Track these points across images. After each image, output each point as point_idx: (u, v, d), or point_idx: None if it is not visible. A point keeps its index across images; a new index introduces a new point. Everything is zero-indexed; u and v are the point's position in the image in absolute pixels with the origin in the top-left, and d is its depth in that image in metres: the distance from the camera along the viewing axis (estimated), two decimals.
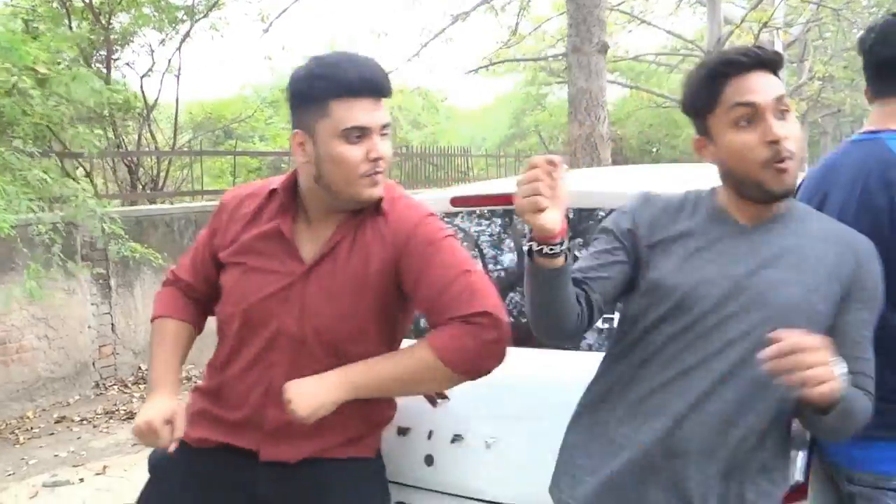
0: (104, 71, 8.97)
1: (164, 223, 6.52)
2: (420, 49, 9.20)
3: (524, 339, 1.67)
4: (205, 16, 9.69)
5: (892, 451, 1.43)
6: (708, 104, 1.34)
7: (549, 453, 1.46)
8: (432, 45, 9.60)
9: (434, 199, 2.14)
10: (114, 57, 9.56)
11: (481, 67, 8.74)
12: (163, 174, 9.45)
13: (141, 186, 9.28)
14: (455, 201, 2.02)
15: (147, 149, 9.55)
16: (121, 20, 9.48)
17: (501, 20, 10.29)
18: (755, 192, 1.33)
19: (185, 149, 9.80)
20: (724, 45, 11.51)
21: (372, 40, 8.62)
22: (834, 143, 17.98)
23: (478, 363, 1.40)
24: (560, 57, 7.43)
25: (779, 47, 12.52)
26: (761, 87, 1.30)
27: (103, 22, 8.68)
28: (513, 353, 1.46)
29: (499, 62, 9.28)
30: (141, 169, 9.36)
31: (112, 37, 9.12)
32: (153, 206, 7.24)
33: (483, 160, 13.62)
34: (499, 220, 1.98)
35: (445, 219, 2.09)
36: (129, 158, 9.15)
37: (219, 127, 10.70)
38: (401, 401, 1.65)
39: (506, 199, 1.97)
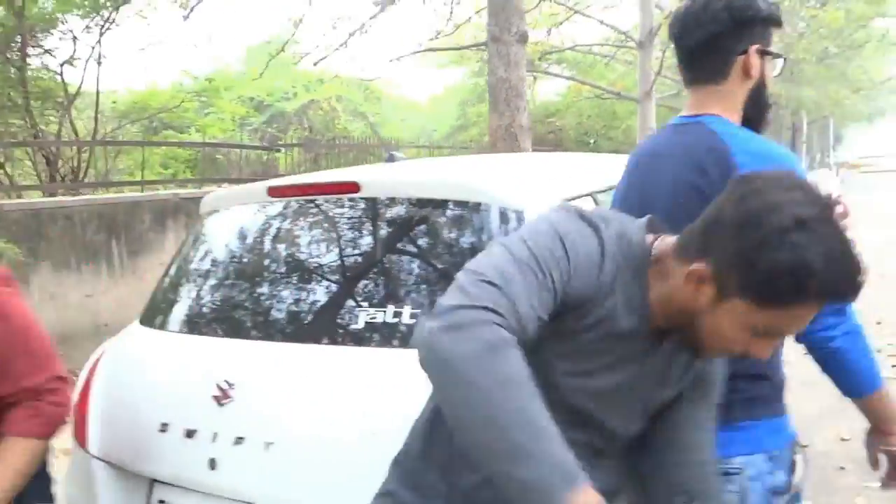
0: (18, 58, 8.64)
1: (63, 217, 6.28)
2: (348, 38, 9.07)
3: (308, 335, 1.63)
4: (127, 2, 9.41)
5: (723, 434, 1.42)
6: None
7: (331, 454, 1.41)
8: (366, 34, 9.44)
9: (250, 190, 2.08)
10: (37, 44, 9.25)
11: (404, 56, 8.67)
12: (83, 165, 9.17)
13: (60, 177, 9.01)
14: (272, 191, 1.96)
15: (66, 139, 9.26)
16: (42, 6, 9.15)
17: (437, 9, 10.22)
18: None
19: (109, 139, 9.49)
20: (655, 35, 11.65)
21: (288, 28, 8.33)
22: (773, 135, 18.42)
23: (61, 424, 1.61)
24: (483, 46, 7.37)
25: None
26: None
27: (16, 7, 8.33)
28: (298, 350, 1.40)
29: (421, 51, 9.20)
30: (60, 160, 9.08)
31: (29, 23, 8.77)
32: (66, 199, 6.99)
33: (423, 151, 13.56)
34: (317, 211, 1.93)
35: (262, 210, 2.02)
36: (48, 149, 8.86)
37: (144, 117, 10.41)
38: (187, 401, 1.59)
39: (325, 188, 1.93)
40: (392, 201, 1.79)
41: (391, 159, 2.31)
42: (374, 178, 1.88)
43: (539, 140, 16.05)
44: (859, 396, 1.49)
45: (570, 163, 2.74)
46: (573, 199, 1.84)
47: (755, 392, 1.45)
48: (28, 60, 9.07)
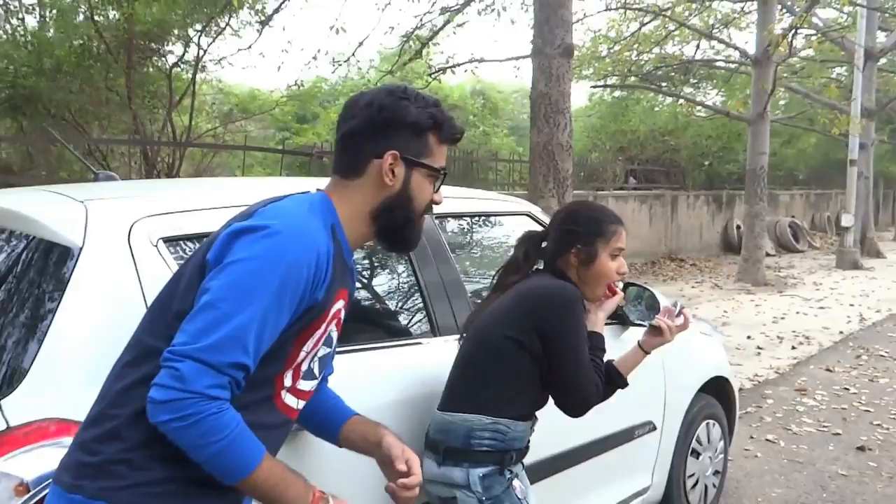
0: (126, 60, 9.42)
1: None
2: (431, 37, 8.95)
3: None
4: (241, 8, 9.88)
5: None
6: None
7: None
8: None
9: None
10: (148, 47, 10.06)
11: (452, 66, 8.45)
12: (177, 162, 9.84)
13: (156, 173, 9.74)
14: None
15: (166, 138, 10.00)
16: (155, 13, 9.93)
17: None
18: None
19: (199, 140, 10.12)
20: (772, 52, 10.62)
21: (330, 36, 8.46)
22: None
23: None
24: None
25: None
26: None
27: (126, 12, 9.07)
28: None
29: (466, 62, 8.93)
30: (159, 157, 9.82)
31: (141, 28, 9.53)
32: None
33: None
34: None
35: None
36: (147, 146, 9.62)
37: (241, 118, 11.02)
38: None
39: None
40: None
41: (97, 178, 2.21)
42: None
43: (653, 160, 15.24)
44: None
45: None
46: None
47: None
48: (140, 63, 9.90)
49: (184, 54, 10.13)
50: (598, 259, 2.00)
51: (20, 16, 9.25)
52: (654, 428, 2.96)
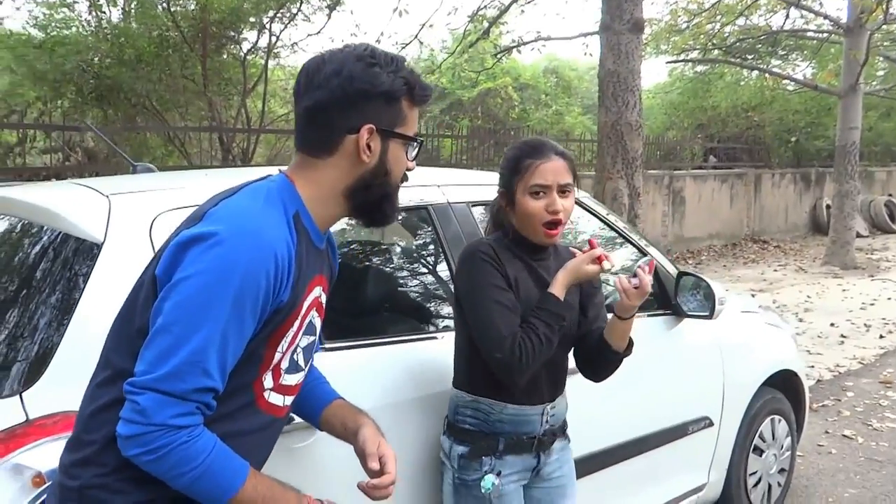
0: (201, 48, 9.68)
1: None
2: (492, 22, 8.82)
3: None
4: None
5: None
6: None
7: None
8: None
9: None
10: (223, 35, 10.31)
11: (516, 46, 8.22)
12: (252, 148, 10.08)
13: (231, 158, 10.01)
14: None
15: (241, 124, 10.25)
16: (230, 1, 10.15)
17: None
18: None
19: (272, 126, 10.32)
20: (866, 20, 9.94)
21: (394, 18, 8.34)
22: None
23: None
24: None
25: None
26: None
27: (200, 1, 9.32)
28: None
29: (532, 41, 8.69)
30: (234, 143, 10.08)
31: (215, 17, 9.78)
32: None
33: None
34: None
35: None
36: (223, 132, 9.89)
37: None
38: None
39: None
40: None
41: (135, 170, 2.23)
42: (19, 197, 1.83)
43: (735, 138, 14.54)
44: None
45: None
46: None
47: None
48: (215, 51, 10.17)
49: (257, 41, 10.34)
50: (517, 199, 1.80)
51: (104, 9, 9.63)
52: (711, 423, 2.82)
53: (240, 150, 10.19)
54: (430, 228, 2.14)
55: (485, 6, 8.31)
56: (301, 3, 10.13)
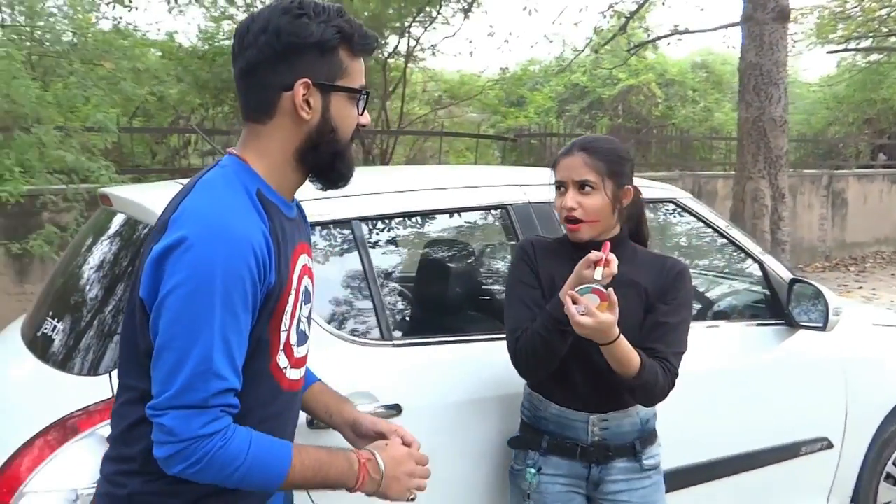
0: None
1: None
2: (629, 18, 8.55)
3: None
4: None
5: None
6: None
7: None
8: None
9: None
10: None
11: (652, 41, 7.81)
12: (390, 149, 10.43)
13: (371, 159, 10.41)
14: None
15: (381, 126, 10.63)
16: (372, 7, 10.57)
17: None
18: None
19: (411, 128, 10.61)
20: None
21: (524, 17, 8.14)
22: None
23: None
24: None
25: None
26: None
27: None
28: None
29: (666, 36, 8.21)
30: (374, 144, 10.48)
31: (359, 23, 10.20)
32: None
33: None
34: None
35: None
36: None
37: (449, 104, 11.36)
38: None
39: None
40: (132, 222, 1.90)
41: None
42: (126, 195, 1.99)
43: None
44: None
45: None
46: None
47: None
48: None
49: (397, 45, 10.67)
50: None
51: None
52: (830, 445, 2.58)
53: (379, 150, 10.58)
54: (510, 228, 2.12)
55: (618, 1, 8.05)
56: (440, 6, 10.36)
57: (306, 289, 1.32)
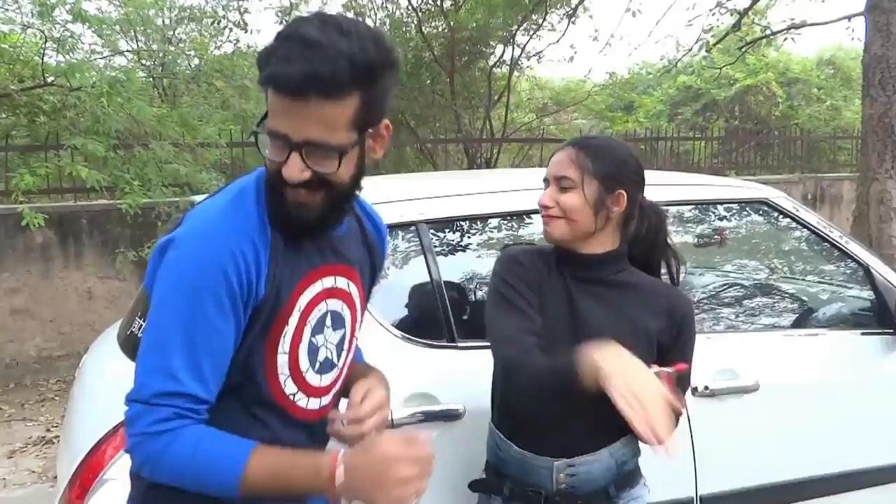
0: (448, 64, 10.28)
1: None
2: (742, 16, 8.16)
3: None
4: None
5: None
6: None
7: None
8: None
9: None
10: (470, 51, 10.87)
11: (760, 39, 7.32)
12: (494, 157, 10.46)
13: (476, 167, 10.48)
14: None
15: (486, 134, 10.69)
16: (478, 18, 10.67)
17: None
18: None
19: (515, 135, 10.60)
20: None
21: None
22: None
23: None
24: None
25: None
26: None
27: (451, 19, 9.92)
28: None
29: (783, 31, 7.67)
30: (479, 153, 10.55)
31: (465, 35, 10.35)
32: None
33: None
34: None
35: None
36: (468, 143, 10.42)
37: (554, 111, 11.27)
38: None
39: None
40: None
41: None
42: None
43: None
44: None
45: None
46: None
47: None
48: (463, 67, 10.74)
49: (502, 54, 10.71)
50: None
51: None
52: None
53: (483, 159, 10.62)
54: None
55: None
56: (546, 13, 10.30)
57: (330, 314, 1.24)
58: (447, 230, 2.07)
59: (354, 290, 1.29)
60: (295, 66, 1.02)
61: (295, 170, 1.09)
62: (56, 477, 3.69)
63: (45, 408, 4.91)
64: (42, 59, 5.40)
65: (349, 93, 1.06)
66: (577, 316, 1.51)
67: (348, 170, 1.13)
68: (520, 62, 10.74)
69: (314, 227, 1.17)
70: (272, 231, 1.16)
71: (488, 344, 1.53)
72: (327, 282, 1.23)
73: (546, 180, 1.58)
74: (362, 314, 1.34)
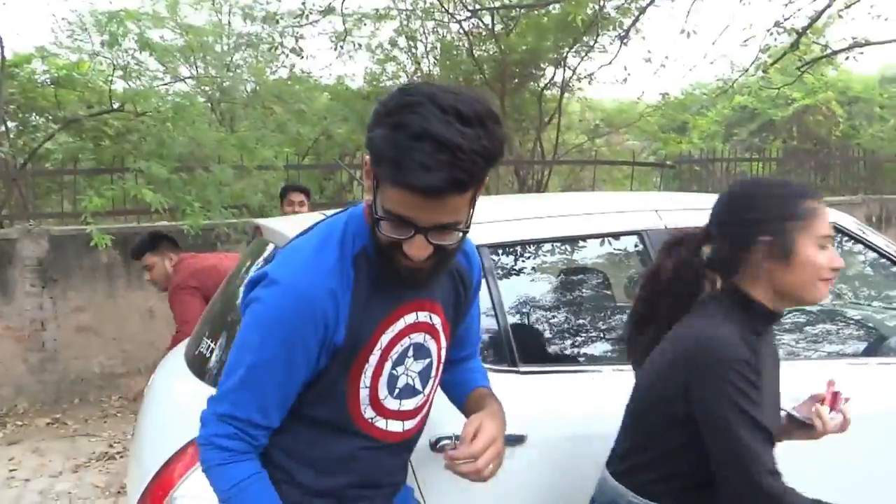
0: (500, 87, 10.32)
1: None
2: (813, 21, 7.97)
3: None
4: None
5: None
6: None
7: None
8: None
9: None
10: (523, 73, 10.90)
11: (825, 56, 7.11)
12: (545, 179, 10.42)
13: (526, 189, 10.46)
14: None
15: (537, 157, 10.67)
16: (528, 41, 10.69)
17: None
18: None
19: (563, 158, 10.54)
20: None
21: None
22: None
23: None
24: None
25: None
26: None
27: (503, 43, 9.98)
28: None
29: (842, 50, 7.44)
30: (530, 175, 10.53)
31: (516, 58, 10.40)
32: None
33: None
34: None
35: None
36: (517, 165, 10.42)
37: (607, 133, 11.18)
38: None
39: None
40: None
41: None
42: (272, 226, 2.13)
43: None
44: None
45: None
46: None
47: None
48: (514, 90, 10.77)
49: (553, 76, 10.71)
50: (797, 249, 1.40)
51: (420, 61, 10.81)
52: None
53: (534, 181, 10.59)
54: (644, 255, 2.04)
55: (787, 17, 7.55)
56: (598, 35, 10.29)
57: (413, 346, 1.30)
58: (508, 254, 2.07)
59: (437, 321, 1.33)
60: (435, 174, 1.04)
61: (421, 250, 1.13)
62: (119, 492, 3.79)
63: (108, 423, 5.04)
64: (110, 86, 5.62)
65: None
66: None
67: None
68: (570, 84, 10.73)
69: (423, 283, 1.22)
70: (355, 273, 1.21)
71: (552, 369, 1.52)
72: (409, 318, 1.28)
73: (825, 240, 1.44)
74: (448, 341, 1.38)
